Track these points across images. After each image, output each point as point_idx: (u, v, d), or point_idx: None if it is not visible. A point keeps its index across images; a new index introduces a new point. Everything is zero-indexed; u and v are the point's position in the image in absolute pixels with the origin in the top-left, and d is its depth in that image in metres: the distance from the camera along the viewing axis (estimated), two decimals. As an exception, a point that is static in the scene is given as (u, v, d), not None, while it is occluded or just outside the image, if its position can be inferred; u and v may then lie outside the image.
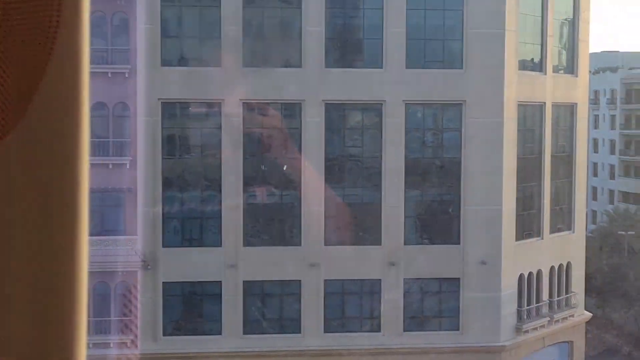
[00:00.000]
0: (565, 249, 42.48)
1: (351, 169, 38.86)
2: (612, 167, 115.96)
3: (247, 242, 37.62)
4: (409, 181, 38.15)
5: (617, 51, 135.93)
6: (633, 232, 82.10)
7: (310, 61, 37.31)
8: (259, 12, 37.71)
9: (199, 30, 38.01)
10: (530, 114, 40.20)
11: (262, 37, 38.12)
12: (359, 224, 38.61)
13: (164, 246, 36.98)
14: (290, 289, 38.24)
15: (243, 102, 37.10)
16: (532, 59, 40.03)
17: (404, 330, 38.53)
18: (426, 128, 38.91)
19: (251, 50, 37.47)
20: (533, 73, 39.92)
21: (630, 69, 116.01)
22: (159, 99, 36.60)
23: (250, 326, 37.76)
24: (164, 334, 37.24)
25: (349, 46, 38.55)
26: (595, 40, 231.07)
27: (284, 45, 38.42)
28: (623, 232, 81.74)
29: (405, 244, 38.35)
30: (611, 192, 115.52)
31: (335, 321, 38.48)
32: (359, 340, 38.03)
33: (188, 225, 38.50)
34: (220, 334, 37.39)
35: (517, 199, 39.38)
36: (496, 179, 38.18)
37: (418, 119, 38.59)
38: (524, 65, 39.40)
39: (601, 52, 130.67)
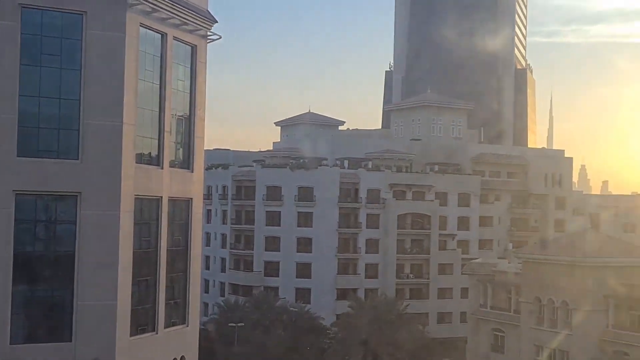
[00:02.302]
0: (180, 342, 42.56)
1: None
2: (223, 260, 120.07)
3: None
4: (17, 276, 35.83)
5: (228, 149, 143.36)
6: (243, 324, 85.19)
7: None
8: None
9: None
10: (147, 208, 40.10)
11: None
12: (-41, 325, 35.38)
13: None
14: None
15: None
16: (150, 153, 40.21)
17: None
18: (38, 220, 37.10)
19: None
20: (150, 167, 40.05)
21: (240, 166, 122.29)
22: None
23: None
24: None
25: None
26: (209, 138, 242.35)
27: None
28: (233, 324, 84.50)
29: (11, 343, 35.78)
30: (222, 284, 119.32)
31: None
32: None
33: None
34: None
35: (133, 293, 38.75)
36: (111, 273, 37.30)
37: (29, 210, 36.67)
38: (142, 159, 39.45)
39: (214, 149, 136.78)
